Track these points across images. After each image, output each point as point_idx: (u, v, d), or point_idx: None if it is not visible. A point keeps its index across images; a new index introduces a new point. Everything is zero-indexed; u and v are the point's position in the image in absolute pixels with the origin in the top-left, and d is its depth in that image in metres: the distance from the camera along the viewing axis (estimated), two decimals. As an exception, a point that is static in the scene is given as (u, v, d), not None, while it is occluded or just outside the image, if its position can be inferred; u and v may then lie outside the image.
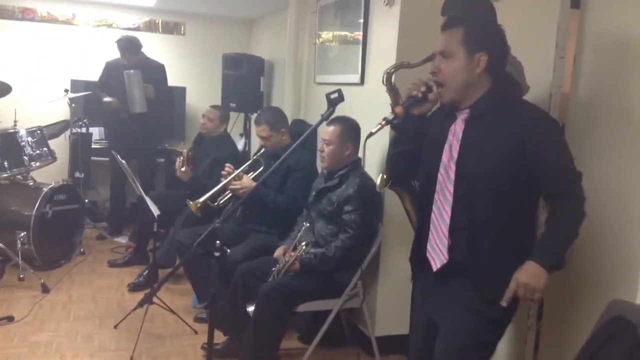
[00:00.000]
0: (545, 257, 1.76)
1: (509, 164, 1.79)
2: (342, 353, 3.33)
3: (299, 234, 3.11)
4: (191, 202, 3.52)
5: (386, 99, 2.51)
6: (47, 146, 4.62)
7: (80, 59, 5.81)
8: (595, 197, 2.19)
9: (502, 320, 1.90)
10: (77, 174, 5.11)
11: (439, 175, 1.89)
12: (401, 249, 3.18)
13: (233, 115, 5.00)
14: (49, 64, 5.74)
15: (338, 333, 3.32)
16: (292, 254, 2.97)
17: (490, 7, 2.07)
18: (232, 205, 3.54)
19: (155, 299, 3.38)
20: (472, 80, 1.84)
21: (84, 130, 5.23)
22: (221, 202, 3.60)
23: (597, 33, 2.27)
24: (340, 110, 2.50)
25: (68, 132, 5.21)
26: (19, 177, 4.49)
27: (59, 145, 5.15)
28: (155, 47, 5.82)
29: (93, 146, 5.59)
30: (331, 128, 3.07)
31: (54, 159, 4.67)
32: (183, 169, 3.97)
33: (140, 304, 3.28)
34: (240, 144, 5.26)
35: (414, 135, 2.03)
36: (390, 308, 3.29)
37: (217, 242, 2.30)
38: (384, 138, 3.16)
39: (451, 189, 1.86)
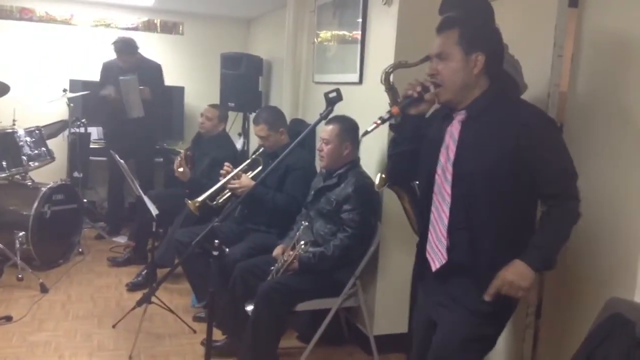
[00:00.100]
0: (535, 258, 1.77)
1: (506, 165, 1.79)
2: (340, 352, 3.33)
3: (297, 233, 3.11)
4: (190, 202, 3.52)
5: (385, 99, 2.51)
6: (46, 146, 4.61)
7: (78, 58, 5.80)
8: (594, 196, 2.19)
9: (500, 314, 1.90)
10: (76, 174, 5.11)
11: (436, 176, 1.90)
12: (400, 248, 3.20)
13: (231, 114, 5.00)
14: (47, 64, 5.73)
15: (337, 332, 3.33)
16: (291, 253, 2.97)
17: (488, 6, 2.07)
18: (230, 205, 3.55)
19: (154, 299, 3.38)
20: (469, 80, 1.85)
21: (82, 130, 5.23)
22: (220, 201, 3.60)
23: (595, 32, 2.27)
24: (339, 110, 2.50)
25: (66, 132, 5.21)
26: (17, 177, 4.48)
27: (58, 145, 5.14)
28: (153, 46, 5.82)
29: (91, 146, 5.59)
30: (330, 127, 3.08)
31: (53, 158, 4.67)
32: (181, 169, 3.97)
33: (139, 304, 3.29)
34: (238, 144, 5.26)
35: (412, 136, 2.04)
36: (389, 307, 3.29)
37: (216, 241, 2.31)
38: (382, 138, 3.17)
39: (449, 189, 1.86)
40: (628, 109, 2.12)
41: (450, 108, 1.93)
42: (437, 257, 1.89)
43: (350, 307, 3.26)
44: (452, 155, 1.86)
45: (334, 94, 2.27)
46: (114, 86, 4.95)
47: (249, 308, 2.95)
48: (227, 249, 3.15)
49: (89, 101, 5.38)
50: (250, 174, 3.56)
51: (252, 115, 4.27)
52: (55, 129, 5.06)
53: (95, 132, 5.71)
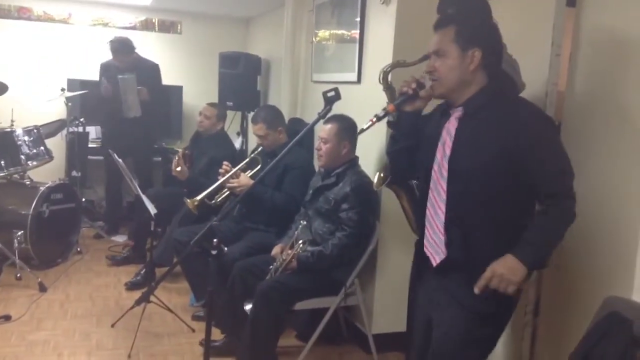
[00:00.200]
0: (527, 254, 1.75)
1: (502, 162, 1.79)
2: (339, 351, 3.34)
3: (296, 232, 3.12)
4: (188, 200, 3.53)
5: (383, 98, 2.51)
6: (44, 145, 4.61)
7: (76, 58, 5.79)
8: (591, 195, 2.20)
9: (497, 314, 1.89)
10: (74, 173, 5.11)
11: (432, 173, 1.91)
12: (398, 246, 3.20)
13: (230, 113, 5.00)
14: (45, 63, 5.73)
15: (335, 331, 3.33)
16: (290, 252, 2.98)
17: (485, 4, 2.07)
18: (229, 204, 3.55)
19: (152, 298, 3.39)
20: (466, 76, 1.85)
21: (80, 129, 5.23)
22: (218, 200, 3.61)
23: (593, 31, 2.28)
24: (337, 109, 2.50)
25: (64, 131, 5.20)
26: (15, 176, 4.48)
27: (56, 144, 5.13)
28: (151, 46, 5.82)
29: (90, 145, 5.58)
30: (328, 126, 3.08)
31: (51, 158, 4.67)
32: (179, 168, 3.97)
33: (138, 303, 3.29)
34: (237, 143, 5.26)
35: (409, 133, 2.05)
36: (387, 306, 3.30)
37: (215, 240, 2.31)
38: (380, 137, 3.17)
39: (444, 186, 1.87)
40: (626, 107, 2.12)
41: (448, 104, 1.94)
42: (436, 253, 1.90)
43: (348, 306, 3.26)
44: (447, 152, 1.87)
45: (332, 93, 2.27)
46: (109, 82, 4.94)
47: (248, 307, 2.95)
48: (226, 248, 3.15)
49: (87, 100, 5.38)
50: (249, 173, 3.56)
51: (251, 115, 4.27)
52: (53, 128, 5.06)
53: (93, 131, 5.71)
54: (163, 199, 4.18)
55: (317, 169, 3.42)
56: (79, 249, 4.78)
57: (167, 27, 6.18)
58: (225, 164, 3.57)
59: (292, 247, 3.01)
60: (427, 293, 2.04)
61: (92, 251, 4.89)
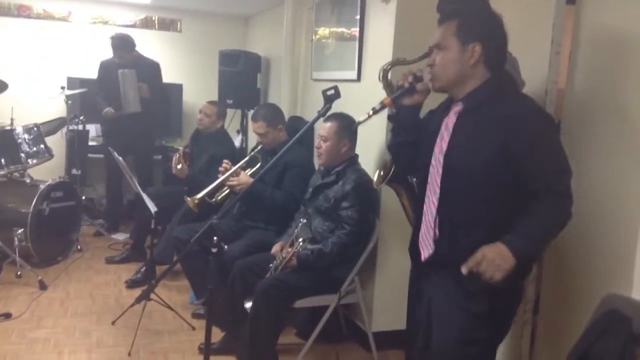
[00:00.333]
0: (516, 245, 1.69)
1: (497, 160, 1.76)
2: (339, 348, 3.34)
3: (296, 230, 3.12)
4: (189, 199, 3.53)
5: (382, 96, 2.51)
6: (44, 143, 4.61)
7: (76, 56, 5.79)
8: (591, 192, 2.21)
9: (494, 315, 1.84)
10: (74, 171, 5.11)
11: (430, 167, 1.91)
12: (398, 245, 3.20)
13: (230, 111, 5.00)
14: (45, 61, 5.73)
15: (335, 329, 3.33)
16: (289, 250, 2.98)
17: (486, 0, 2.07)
18: (229, 202, 3.55)
19: (152, 296, 3.39)
20: (465, 71, 1.85)
21: (80, 127, 5.23)
22: (219, 198, 3.61)
23: (593, 29, 2.28)
24: (337, 107, 2.51)
25: (64, 129, 5.21)
26: (15, 174, 4.48)
27: (56, 142, 5.13)
28: (151, 44, 5.82)
29: (90, 143, 5.59)
30: (328, 124, 3.08)
31: (51, 156, 4.66)
32: (179, 166, 3.97)
33: (138, 300, 3.30)
34: (237, 141, 5.26)
35: (409, 127, 2.05)
36: (387, 304, 3.30)
37: (215, 238, 2.31)
38: (380, 135, 3.18)
39: (439, 181, 1.86)
40: (625, 105, 2.12)
41: (449, 99, 1.93)
42: (426, 248, 1.90)
43: (348, 304, 3.27)
44: (444, 147, 1.86)
45: (332, 92, 2.27)
46: (113, 109, 4.97)
47: (248, 305, 2.95)
48: (226, 246, 3.14)
49: (87, 99, 5.38)
50: (249, 171, 3.56)
51: (251, 113, 4.27)
52: (53, 126, 5.06)
53: (93, 129, 5.71)
54: (163, 197, 4.19)
55: (317, 167, 3.42)
56: (79, 247, 4.79)
57: (167, 25, 6.18)
58: (225, 162, 3.57)
59: (292, 245, 3.01)
60: (427, 291, 2.04)
61: (93, 249, 4.89)
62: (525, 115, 1.78)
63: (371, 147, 3.26)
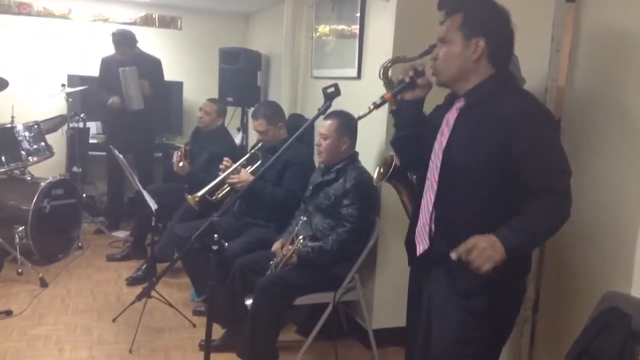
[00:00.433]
0: (510, 240, 1.65)
1: (496, 158, 1.74)
2: (339, 346, 3.34)
3: (296, 228, 3.13)
4: (189, 196, 3.53)
5: (383, 93, 2.52)
6: (45, 141, 4.61)
7: (76, 54, 5.79)
8: (590, 190, 2.21)
9: (487, 314, 1.81)
10: (75, 169, 5.11)
11: (430, 163, 1.90)
12: (398, 242, 3.18)
13: (230, 109, 5.00)
14: (45, 59, 5.72)
15: (336, 326, 3.34)
16: (290, 247, 2.98)
17: None
18: (230, 199, 3.55)
19: (153, 293, 3.39)
20: (467, 66, 1.82)
21: (81, 125, 5.23)
22: (219, 196, 3.61)
23: (593, 27, 2.28)
24: (337, 105, 2.51)
25: (65, 127, 5.21)
26: (16, 171, 4.49)
27: (56, 140, 5.14)
28: (151, 41, 5.81)
29: (90, 141, 5.58)
30: (328, 122, 3.08)
31: (52, 153, 4.67)
32: (181, 163, 3.98)
33: (139, 298, 3.30)
34: (237, 138, 5.26)
35: (412, 122, 2.04)
36: (388, 301, 3.31)
37: (215, 235, 2.31)
38: (380, 133, 3.18)
39: (437, 176, 1.85)
40: (625, 103, 2.13)
41: (453, 94, 1.92)
42: (422, 243, 1.90)
43: (349, 301, 3.27)
44: (444, 142, 1.85)
45: (332, 89, 2.27)
46: (118, 96, 4.96)
47: (248, 302, 2.96)
48: (226, 244, 3.15)
49: (87, 96, 5.38)
50: (249, 169, 3.57)
51: (251, 110, 4.28)
52: (54, 123, 5.06)
53: (94, 127, 5.71)
54: (164, 195, 4.19)
55: (317, 164, 3.42)
56: (79, 245, 4.79)
57: (167, 23, 6.17)
58: (226, 160, 3.58)
59: (292, 243, 3.01)
60: (426, 288, 2.04)
61: (93, 247, 4.90)
62: (526, 114, 1.75)
63: (371, 144, 3.27)
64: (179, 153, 4.02)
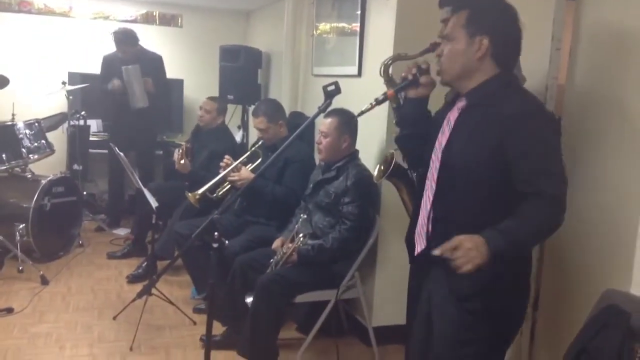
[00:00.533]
0: (496, 243, 1.63)
1: (494, 159, 1.72)
2: (339, 343, 3.35)
3: (296, 226, 3.13)
4: (190, 194, 3.54)
5: (384, 91, 2.52)
6: (45, 138, 4.62)
7: (77, 51, 5.79)
8: (590, 188, 2.21)
9: (485, 315, 1.78)
10: (76, 166, 5.12)
11: (430, 162, 1.89)
12: (398, 240, 3.18)
13: (231, 107, 5.00)
14: (46, 57, 5.72)
15: (336, 323, 3.34)
16: (290, 245, 2.99)
17: None
18: (230, 197, 3.56)
19: (154, 290, 3.40)
20: (471, 64, 1.80)
21: (81, 122, 5.23)
22: (220, 193, 3.62)
23: (593, 25, 2.27)
24: (338, 102, 2.51)
25: (66, 125, 5.22)
26: (17, 169, 4.49)
27: (57, 137, 5.14)
28: (152, 39, 5.81)
29: (91, 138, 5.59)
30: (328, 120, 3.08)
31: (52, 151, 4.68)
32: (182, 161, 3.98)
33: (139, 295, 3.31)
34: (238, 136, 5.26)
35: (414, 120, 2.04)
36: (388, 299, 3.31)
37: (215, 233, 2.32)
38: (381, 131, 3.18)
39: (435, 176, 1.84)
40: (625, 101, 2.12)
41: (457, 93, 1.90)
42: (419, 243, 1.89)
43: (349, 299, 3.28)
44: (444, 142, 1.84)
45: (332, 87, 2.27)
46: (118, 78, 4.94)
47: (249, 300, 2.96)
48: (227, 242, 3.16)
49: (88, 94, 5.39)
50: (250, 167, 3.57)
51: (251, 108, 4.28)
52: (54, 121, 5.07)
53: (94, 124, 5.72)
54: (164, 193, 4.19)
55: (317, 162, 3.42)
56: (80, 242, 4.80)
57: (167, 20, 6.17)
58: (227, 158, 3.58)
59: (292, 241, 3.02)
60: (426, 287, 2.04)
61: (94, 244, 4.91)
62: (524, 116, 1.71)
63: (372, 142, 3.27)
64: (181, 151, 4.03)
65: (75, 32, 5.83)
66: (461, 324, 1.81)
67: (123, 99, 4.97)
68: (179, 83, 6.04)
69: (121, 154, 3.83)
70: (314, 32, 4.21)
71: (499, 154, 1.72)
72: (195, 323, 3.53)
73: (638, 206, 2.06)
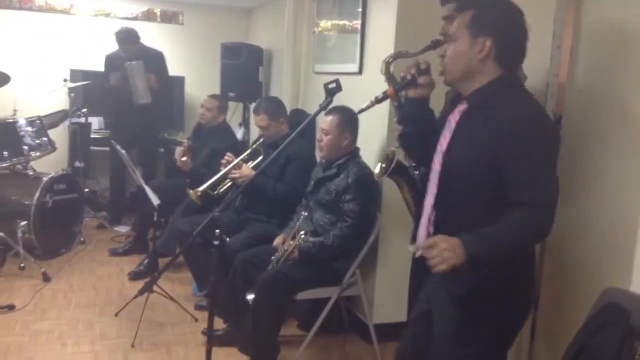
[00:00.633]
0: (473, 247, 1.61)
1: (493, 161, 1.69)
2: (340, 340, 3.36)
3: (297, 223, 3.13)
4: (191, 191, 3.54)
5: (384, 89, 2.52)
6: (47, 136, 4.63)
7: (78, 48, 5.79)
8: (590, 186, 2.21)
9: (485, 316, 1.78)
10: (77, 164, 5.12)
11: (432, 164, 1.89)
12: (399, 237, 3.22)
13: (232, 104, 5.00)
14: (47, 54, 5.73)
15: (337, 321, 3.35)
16: (291, 242, 2.99)
17: None
18: (231, 194, 3.56)
19: (155, 287, 3.41)
20: (473, 65, 1.77)
21: (82, 120, 5.24)
22: (221, 190, 3.62)
23: (594, 23, 2.27)
24: (339, 100, 2.51)
25: (67, 122, 5.22)
26: (18, 166, 4.50)
27: (58, 134, 5.15)
28: (153, 36, 5.80)
29: (92, 136, 5.60)
30: (329, 118, 3.09)
31: (54, 148, 4.68)
32: (184, 158, 3.99)
33: (141, 292, 3.31)
34: (239, 134, 5.27)
35: (416, 119, 2.04)
36: (388, 296, 3.32)
37: (217, 231, 2.32)
38: (382, 129, 3.18)
39: (436, 179, 1.84)
40: (626, 100, 2.12)
41: (458, 93, 1.89)
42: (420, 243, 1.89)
43: (350, 296, 3.28)
44: (444, 145, 1.83)
45: (333, 85, 2.27)
46: (120, 72, 4.94)
47: (250, 297, 2.97)
48: (228, 239, 3.17)
49: (89, 91, 5.39)
50: (251, 164, 3.58)
51: (253, 106, 4.28)
52: (56, 118, 5.07)
53: (96, 122, 5.72)
54: (165, 190, 4.20)
55: (318, 160, 3.43)
56: (82, 239, 4.81)
57: (168, 18, 6.17)
58: (228, 155, 3.59)
59: (293, 238, 3.02)
60: (427, 286, 2.04)
61: (95, 241, 4.92)
62: (520, 121, 1.68)
63: (372, 140, 3.27)
64: (182, 148, 4.03)
65: (77, 29, 5.83)
66: (461, 324, 1.81)
67: (125, 96, 4.97)
68: (180, 80, 6.04)
69: (122, 151, 3.83)
70: (315, 29, 4.20)
71: (490, 160, 1.69)
72: (196, 320, 3.54)
73: (638, 204, 2.06)
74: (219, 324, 3.19)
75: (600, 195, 2.20)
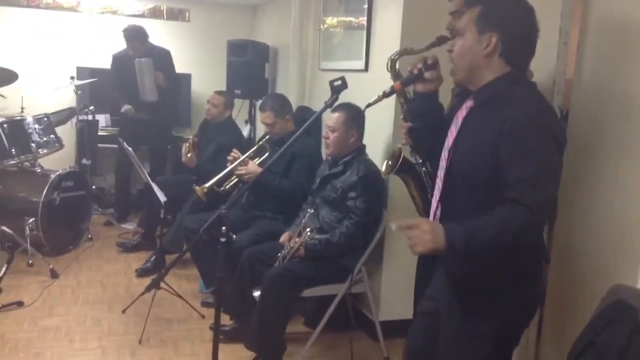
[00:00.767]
0: (455, 234, 1.60)
1: (494, 160, 1.66)
2: (346, 337, 3.36)
3: (303, 220, 3.14)
4: (198, 188, 3.55)
5: (393, 83, 2.52)
6: (54, 133, 4.65)
7: (85, 46, 5.82)
8: (598, 183, 2.20)
9: (491, 314, 1.77)
10: (84, 161, 5.14)
11: (440, 161, 1.87)
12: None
13: (238, 101, 5.01)
14: (54, 52, 5.75)
15: (343, 318, 3.35)
16: (297, 239, 2.99)
17: None
18: (237, 192, 3.57)
19: (162, 284, 3.41)
20: (478, 61, 1.75)
21: (90, 117, 5.26)
22: (227, 187, 3.63)
23: (601, 18, 2.26)
24: (345, 97, 2.51)
25: (74, 119, 5.24)
26: (26, 164, 4.53)
27: (66, 132, 5.18)
28: (159, 33, 5.82)
29: (99, 133, 5.62)
30: (335, 115, 3.08)
31: (61, 145, 4.70)
32: (189, 154, 3.99)
33: (148, 289, 3.32)
34: (245, 131, 5.27)
35: (425, 114, 2.04)
36: (394, 293, 3.32)
37: (223, 228, 2.33)
38: (387, 126, 3.18)
39: (442, 176, 1.83)
40: (633, 96, 2.11)
41: (465, 89, 1.87)
42: None
43: (356, 293, 3.28)
44: (450, 142, 1.82)
45: (339, 82, 2.27)
46: (129, 105, 5.01)
47: (256, 294, 2.98)
48: (235, 236, 3.18)
49: (96, 88, 5.41)
50: (257, 161, 3.58)
51: (259, 103, 4.28)
52: (63, 116, 5.10)
53: (103, 119, 5.74)
54: (172, 187, 4.22)
55: (324, 157, 3.42)
56: (89, 236, 4.84)
57: (175, 15, 6.18)
58: (234, 151, 3.60)
59: (299, 235, 3.02)
60: (433, 284, 2.04)
61: (103, 238, 4.94)
62: (523, 120, 1.64)
63: (379, 137, 3.26)
64: (187, 145, 4.04)
65: (84, 26, 5.85)
66: (467, 322, 1.80)
67: (133, 94, 4.99)
68: (186, 77, 6.05)
69: (129, 148, 3.84)
70: (321, 26, 4.20)
71: (492, 159, 1.67)
72: (203, 317, 3.55)
73: (646, 201, 2.05)
74: (226, 320, 3.21)
75: (607, 192, 2.19)
